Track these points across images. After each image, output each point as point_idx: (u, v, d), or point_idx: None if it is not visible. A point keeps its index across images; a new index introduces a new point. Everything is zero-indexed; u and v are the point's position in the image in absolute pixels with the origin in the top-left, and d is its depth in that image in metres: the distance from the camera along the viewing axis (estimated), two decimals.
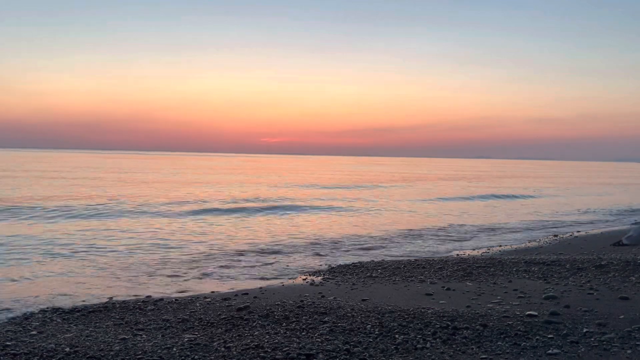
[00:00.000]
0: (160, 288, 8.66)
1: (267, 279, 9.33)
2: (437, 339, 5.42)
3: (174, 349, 5.16)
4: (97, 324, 6.19)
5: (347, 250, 12.68)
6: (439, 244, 13.98)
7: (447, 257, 11.53)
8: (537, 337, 5.45)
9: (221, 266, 10.48)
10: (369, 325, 5.86)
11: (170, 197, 25.29)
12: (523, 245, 13.70)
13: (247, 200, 24.26)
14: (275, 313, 6.43)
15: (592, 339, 5.38)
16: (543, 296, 7.27)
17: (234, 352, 5.07)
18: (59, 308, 7.03)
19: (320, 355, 4.98)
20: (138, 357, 4.97)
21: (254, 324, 6.04)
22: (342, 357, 4.96)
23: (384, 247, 13.22)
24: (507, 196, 32.00)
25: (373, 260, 10.90)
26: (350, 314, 6.32)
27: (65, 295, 8.06)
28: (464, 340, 5.41)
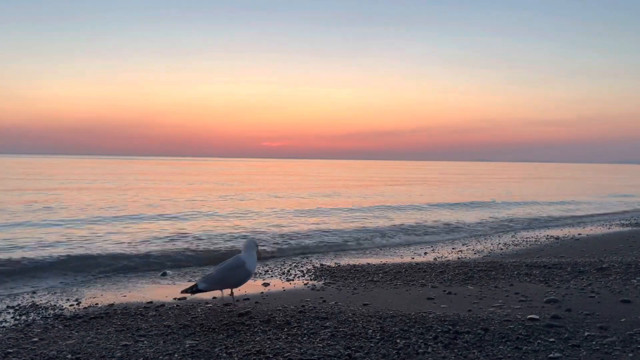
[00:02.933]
0: (161, 294, 8.67)
1: (268, 284, 9.32)
2: (439, 344, 5.42)
3: (176, 355, 5.17)
4: (99, 330, 6.20)
5: None
6: None
7: (448, 260, 11.53)
8: (539, 341, 5.45)
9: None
10: (371, 330, 5.86)
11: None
12: (524, 248, 13.69)
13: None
14: (277, 318, 6.43)
15: (594, 343, 5.38)
16: (544, 299, 7.26)
17: (236, 358, 5.07)
18: (61, 314, 7.04)
19: None
20: None
21: (256, 329, 6.05)
22: None
23: None
24: None
25: (374, 264, 10.90)
26: (351, 319, 6.33)
27: (66, 301, 8.07)
28: (466, 344, 5.42)
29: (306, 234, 15.68)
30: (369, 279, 9.22)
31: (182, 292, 7.15)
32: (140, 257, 11.58)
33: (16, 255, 10.92)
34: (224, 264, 7.23)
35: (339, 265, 11.06)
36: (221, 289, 7.23)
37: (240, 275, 7.05)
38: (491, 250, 13.50)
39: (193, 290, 6.96)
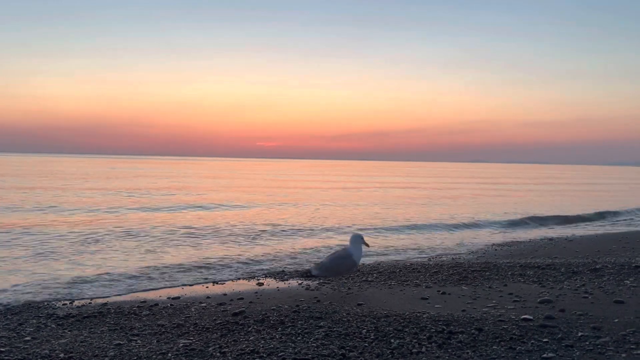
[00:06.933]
0: (155, 292, 8.65)
1: (262, 284, 9.30)
2: (433, 343, 5.42)
3: (169, 355, 5.15)
4: (92, 330, 6.17)
5: None
6: None
7: (443, 261, 11.54)
8: (532, 341, 5.45)
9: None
10: (365, 330, 5.85)
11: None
12: (518, 248, 13.72)
13: None
14: (271, 318, 6.42)
15: (587, 343, 5.39)
16: (538, 300, 7.28)
17: (230, 358, 5.06)
18: (54, 313, 7.00)
19: None
20: None
21: (250, 329, 6.03)
22: None
23: None
24: None
25: (368, 264, 10.89)
26: (345, 319, 6.32)
27: (59, 300, 8.03)
28: (460, 344, 5.42)
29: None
30: (363, 279, 9.21)
31: (299, 276, 8.23)
32: None
33: None
34: (334, 254, 8.12)
35: None
36: (330, 277, 8.15)
37: (346, 265, 7.96)
38: (485, 250, 13.53)
39: (307, 275, 8.00)
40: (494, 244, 14.77)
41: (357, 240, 8.07)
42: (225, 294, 8.23)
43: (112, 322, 6.47)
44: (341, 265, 7.95)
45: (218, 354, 5.16)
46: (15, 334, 5.99)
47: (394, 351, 5.21)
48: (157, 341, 5.64)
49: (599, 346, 5.30)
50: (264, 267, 10.97)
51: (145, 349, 5.33)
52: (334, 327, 5.98)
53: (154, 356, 5.12)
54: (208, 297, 7.97)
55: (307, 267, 9.32)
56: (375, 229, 17.45)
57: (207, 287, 9.16)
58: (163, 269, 10.58)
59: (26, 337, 5.87)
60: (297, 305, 7.04)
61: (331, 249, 13.62)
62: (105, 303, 7.70)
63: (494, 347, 5.33)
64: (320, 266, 7.99)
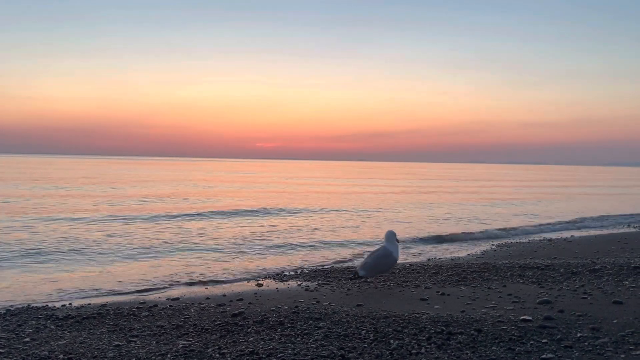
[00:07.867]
0: (154, 294, 8.65)
1: (262, 285, 9.30)
2: (432, 344, 5.42)
3: (169, 356, 5.15)
4: (91, 331, 6.17)
5: None
6: None
7: (442, 262, 11.54)
8: (531, 342, 5.46)
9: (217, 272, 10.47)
10: (364, 331, 5.85)
11: None
12: (517, 249, 13.73)
13: None
14: (270, 319, 6.42)
15: (586, 344, 5.40)
16: (537, 301, 7.28)
17: (229, 359, 5.05)
18: (53, 315, 7.00)
19: None
20: None
21: (249, 330, 6.03)
22: None
23: None
24: None
25: None
26: (345, 320, 6.32)
27: (58, 301, 8.03)
28: (459, 345, 5.42)
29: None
30: (362, 279, 9.21)
31: (348, 278, 8.59)
32: None
33: None
34: (375, 253, 8.33)
35: (333, 267, 11.06)
36: (374, 275, 8.40)
37: (389, 262, 8.25)
38: (484, 251, 13.53)
39: (355, 276, 8.24)
40: (493, 245, 14.78)
41: (392, 237, 8.29)
42: (224, 295, 8.23)
43: (112, 323, 6.47)
44: (384, 264, 8.21)
45: (217, 355, 5.16)
46: (14, 335, 5.98)
47: (393, 352, 5.21)
48: (157, 342, 5.64)
49: (597, 347, 5.31)
50: (263, 268, 10.96)
51: (144, 350, 5.33)
52: (333, 328, 5.98)
53: (153, 357, 5.12)
54: (207, 298, 7.97)
55: (354, 268, 9.45)
56: (373, 234, 17.47)
57: (206, 288, 9.17)
58: (162, 270, 10.59)
59: (25, 338, 5.87)
60: (297, 306, 7.05)
61: (333, 253, 13.63)
62: (105, 304, 7.69)
63: (493, 347, 5.33)
64: (364, 266, 8.19)
